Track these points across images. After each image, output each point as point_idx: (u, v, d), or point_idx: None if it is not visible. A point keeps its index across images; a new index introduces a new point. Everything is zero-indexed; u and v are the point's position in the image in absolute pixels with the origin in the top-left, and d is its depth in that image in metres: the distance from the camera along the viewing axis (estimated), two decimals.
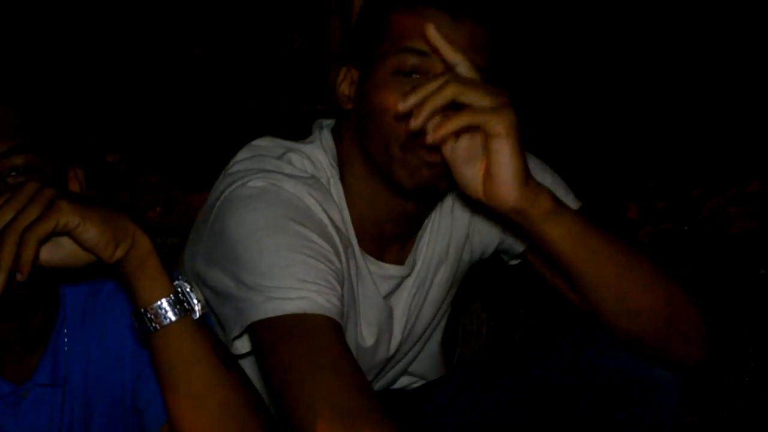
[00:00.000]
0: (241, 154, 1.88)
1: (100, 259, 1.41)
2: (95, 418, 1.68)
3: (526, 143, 1.73)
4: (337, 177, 1.85)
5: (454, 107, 1.53)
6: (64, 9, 4.23)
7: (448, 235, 1.97)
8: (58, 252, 1.41)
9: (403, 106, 1.52)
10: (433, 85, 1.49)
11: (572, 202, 1.89)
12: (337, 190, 1.85)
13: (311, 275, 1.67)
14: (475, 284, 2.69)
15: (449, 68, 1.61)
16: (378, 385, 2.06)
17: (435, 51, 1.62)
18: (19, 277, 1.34)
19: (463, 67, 1.56)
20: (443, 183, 1.77)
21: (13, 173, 1.51)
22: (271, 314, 1.62)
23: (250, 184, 1.76)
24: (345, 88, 1.82)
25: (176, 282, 1.48)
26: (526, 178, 1.58)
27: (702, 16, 4.30)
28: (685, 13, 4.30)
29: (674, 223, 3.79)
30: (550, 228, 1.61)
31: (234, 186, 1.77)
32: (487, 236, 2.02)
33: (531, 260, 2.00)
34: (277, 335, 1.62)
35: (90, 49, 4.47)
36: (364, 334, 1.91)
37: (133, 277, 1.44)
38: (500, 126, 1.52)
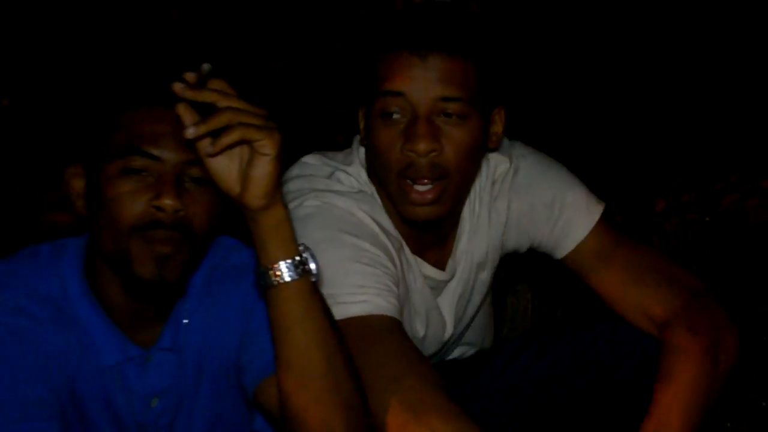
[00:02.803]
0: (294, 171, 1.97)
1: (239, 199, 1.47)
2: (205, 378, 1.80)
3: (566, 148, 1.85)
4: (375, 191, 1.94)
5: None
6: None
7: (486, 242, 2.06)
8: (225, 159, 1.47)
9: None
10: None
11: (594, 208, 2.01)
12: (379, 201, 1.93)
13: (369, 281, 1.76)
14: (522, 268, 2.83)
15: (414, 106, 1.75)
16: (435, 359, 2.16)
17: None
18: (209, 150, 1.43)
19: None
20: (442, 212, 1.86)
21: (189, 179, 1.61)
22: (337, 317, 1.64)
23: (305, 204, 1.85)
24: (362, 126, 1.92)
25: (301, 247, 1.54)
26: None
27: (722, 28, 4.20)
28: (707, 22, 4.22)
29: (698, 215, 3.77)
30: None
31: (291, 206, 1.83)
32: (517, 241, 2.10)
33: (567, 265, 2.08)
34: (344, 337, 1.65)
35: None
36: (416, 325, 2.01)
37: (266, 234, 1.50)
38: None
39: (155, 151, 1.59)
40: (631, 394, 2.01)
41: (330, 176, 1.93)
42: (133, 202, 1.59)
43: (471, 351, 2.26)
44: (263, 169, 1.44)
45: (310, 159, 1.99)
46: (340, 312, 1.68)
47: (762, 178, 3.80)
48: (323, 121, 3.50)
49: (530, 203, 2.00)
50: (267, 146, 1.43)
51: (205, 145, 1.45)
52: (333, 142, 2.12)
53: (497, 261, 2.12)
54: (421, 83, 1.75)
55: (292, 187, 1.91)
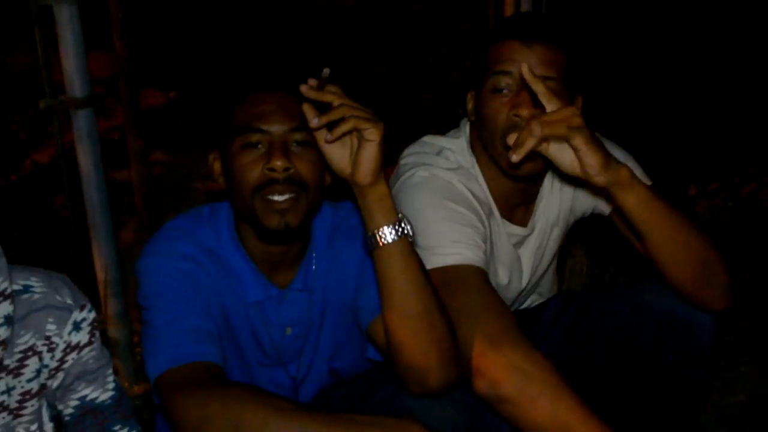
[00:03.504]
0: (412, 148, 2.16)
1: (350, 178, 1.65)
2: (328, 315, 1.98)
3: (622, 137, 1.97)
4: (475, 163, 2.12)
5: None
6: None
7: (557, 207, 2.25)
8: (338, 147, 1.66)
9: (514, 158, 1.76)
10: (527, 138, 1.75)
11: (644, 179, 2.09)
12: (477, 173, 2.11)
13: (462, 237, 1.92)
14: (579, 237, 3.01)
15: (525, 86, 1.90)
16: (513, 307, 2.35)
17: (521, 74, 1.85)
18: (328, 138, 1.62)
19: (537, 87, 1.80)
20: (538, 168, 2.02)
21: (294, 143, 1.79)
22: (435, 265, 1.86)
23: (416, 174, 2.05)
24: (470, 105, 2.12)
25: (400, 215, 1.71)
26: (608, 161, 1.79)
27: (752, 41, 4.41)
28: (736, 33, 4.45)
29: (722, 200, 4.05)
30: (626, 196, 1.83)
31: (405, 176, 2.04)
32: (584, 205, 2.29)
33: (614, 220, 2.24)
34: (438, 281, 1.80)
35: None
36: (500, 275, 2.19)
37: (372, 205, 1.68)
38: (578, 136, 1.74)
39: (264, 126, 1.79)
40: (648, 364, 2.14)
41: (438, 153, 2.12)
42: (252, 170, 1.78)
43: (540, 300, 2.44)
44: (370, 153, 1.63)
45: (426, 139, 2.20)
46: (438, 261, 1.87)
47: None
48: (420, 117, 3.74)
49: None
50: (373, 133, 1.62)
51: (323, 135, 1.66)
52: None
53: (567, 223, 2.29)
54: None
55: (408, 160, 2.12)
